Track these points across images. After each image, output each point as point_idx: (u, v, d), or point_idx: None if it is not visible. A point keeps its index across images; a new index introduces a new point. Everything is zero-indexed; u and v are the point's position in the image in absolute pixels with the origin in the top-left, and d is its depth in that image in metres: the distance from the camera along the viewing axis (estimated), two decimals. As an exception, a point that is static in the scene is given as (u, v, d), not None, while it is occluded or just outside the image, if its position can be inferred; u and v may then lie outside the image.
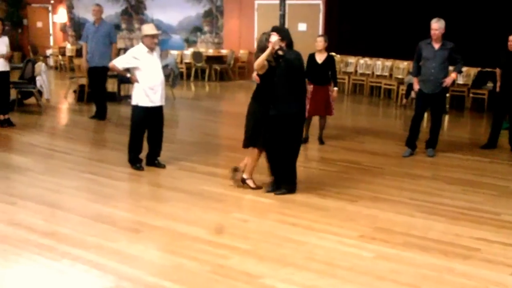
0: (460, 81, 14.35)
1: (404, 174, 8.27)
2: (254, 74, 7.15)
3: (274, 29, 7.14)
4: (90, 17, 22.85)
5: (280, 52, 6.86)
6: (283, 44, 6.91)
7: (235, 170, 7.43)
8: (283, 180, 7.21)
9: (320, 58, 9.75)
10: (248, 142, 7.30)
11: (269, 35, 7.00)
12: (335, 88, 9.92)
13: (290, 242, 5.70)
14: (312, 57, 9.82)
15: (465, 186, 7.70)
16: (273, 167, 7.23)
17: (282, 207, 6.74)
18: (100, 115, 12.06)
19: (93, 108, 12.44)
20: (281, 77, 6.95)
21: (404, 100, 14.24)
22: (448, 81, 9.04)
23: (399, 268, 5.16)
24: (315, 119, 10.13)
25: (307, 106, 9.78)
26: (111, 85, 15.26)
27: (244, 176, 7.33)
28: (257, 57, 6.99)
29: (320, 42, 9.74)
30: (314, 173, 8.32)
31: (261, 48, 6.97)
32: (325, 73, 9.78)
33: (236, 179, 7.38)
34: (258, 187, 7.30)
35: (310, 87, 9.77)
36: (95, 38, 11.89)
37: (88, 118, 12.18)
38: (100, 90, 12.26)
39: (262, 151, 7.25)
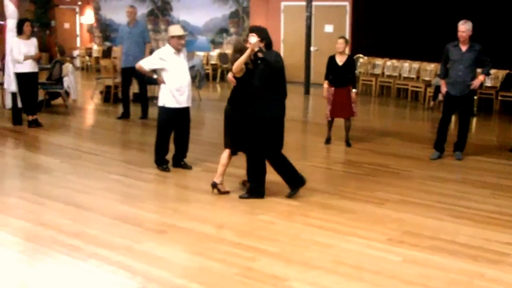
0: (488, 83, 14.16)
1: (432, 177, 8.18)
2: (230, 76, 7.00)
3: (253, 29, 6.97)
4: (116, 18, 23.21)
5: (260, 54, 6.71)
6: (262, 45, 6.77)
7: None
8: (291, 182, 7.14)
9: (340, 60, 9.73)
10: (237, 149, 7.22)
11: (246, 36, 6.91)
12: (354, 90, 9.87)
13: (317, 245, 5.67)
14: (332, 59, 9.81)
15: (494, 190, 7.60)
16: (252, 170, 7.09)
17: (309, 210, 6.70)
18: (144, 115, 12.22)
19: (120, 109, 12.50)
20: (261, 80, 6.78)
21: (431, 103, 14.09)
22: (475, 83, 8.94)
23: (428, 273, 5.10)
24: (337, 121, 10.09)
25: (329, 108, 9.80)
26: (137, 86, 15.38)
27: (216, 180, 7.17)
28: (234, 58, 6.86)
29: (341, 44, 9.72)
30: (342, 176, 8.27)
31: (238, 50, 6.88)
32: (345, 75, 9.75)
33: (221, 191, 7.21)
34: (226, 192, 7.16)
35: (331, 89, 9.77)
36: (129, 39, 12.00)
37: (116, 118, 12.26)
38: (140, 91, 12.34)
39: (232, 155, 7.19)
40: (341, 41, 9.76)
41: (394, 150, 9.82)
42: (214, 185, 7.15)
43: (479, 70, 9.17)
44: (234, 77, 6.92)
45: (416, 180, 8.00)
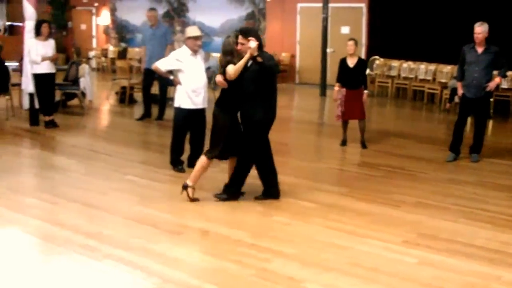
0: (505, 85, 14.06)
1: (449, 179, 8.13)
2: (220, 79, 6.77)
3: (243, 31, 6.75)
4: (132, 19, 23.32)
5: (259, 59, 6.53)
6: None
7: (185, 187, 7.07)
8: (267, 185, 7.06)
9: (351, 62, 9.77)
10: (226, 153, 6.98)
11: (236, 37, 6.71)
12: (366, 91, 9.86)
13: (333, 246, 5.65)
14: (343, 61, 9.86)
15: (510, 193, 7.53)
16: (239, 173, 6.97)
17: (324, 211, 6.68)
18: (160, 116, 12.26)
19: (136, 110, 12.55)
20: (255, 82, 6.68)
21: (448, 105, 14.01)
22: (491, 85, 8.88)
23: (444, 275, 5.07)
24: (353, 123, 10.09)
25: (342, 109, 9.80)
26: (153, 88, 15.41)
27: (189, 182, 6.97)
28: (226, 61, 6.71)
29: (352, 46, 9.75)
30: (357, 178, 8.24)
31: (229, 52, 6.75)
32: (357, 77, 9.79)
33: (189, 195, 6.98)
34: (194, 199, 6.93)
35: (342, 91, 9.76)
36: (152, 40, 12.08)
37: (135, 120, 12.31)
38: (160, 92, 12.37)
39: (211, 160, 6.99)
40: (351, 43, 9.79)
41: (410, 152, 9.77)
42: (185, 187, 6.96)
43: (496, 72, 9.10)
44: (225, 79, 6.74)
45: (432, 182, 7.96)
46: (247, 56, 6.51)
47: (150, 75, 12.00)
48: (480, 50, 8.82)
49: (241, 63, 6.55)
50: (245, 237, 5.84)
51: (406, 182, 7.96)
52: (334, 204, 6.96)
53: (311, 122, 13.28)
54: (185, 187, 6.94)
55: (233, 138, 6.87)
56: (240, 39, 6.63)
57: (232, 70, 6.59)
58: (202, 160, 6.98)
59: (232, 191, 6.99)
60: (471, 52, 8.89)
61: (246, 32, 6.70)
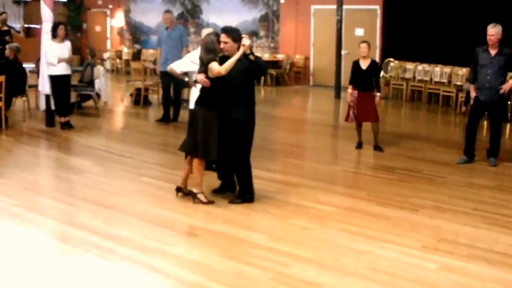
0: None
1: (468, 183, 8.05)
2: (203, 77, 6.68)
3: (227, 30, 6.72)
4: (146, 20, 23.38)
5: (251, 57, 6.59)
6: (236, 46, 6.65)
7: (194, 196, 6.97)
8: (240, 190, 7.04)
9: (364, 64, 9.74)
10: (203, 153, 6.81)
11: (217, 36, 6.69)
12: (378, 94, 9.82)
13: (351, 251, 5.60)
14: (356, 63, 9.84)
15: (532, 198, 7.46)
16: (242, 175, 7.01)
17: (342, 215, 6.63)
18: (174, 117, 12.28)
19: (150, 112, 12.55)
20: (247, 81, 6.79)
21: (463, 108, 13.89)
22: (505, 88, 8.78)
23: (464, 281, 5.00)
24: (368, 126, 10.04)
25: (354, 111, 9.75)
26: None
27: (195, 190, 6.90)
28: (207, 59, 6.61)
29: (365, 48, 9.73)
30: (375, 181, 8.17)
31: (212, 50, 6.62)
32: (369, 79, 9.76)
33: (203, 201, 6.91)
34: (210, 202, 6.89)
35: (354, 93, 9.72)
36: (168, 43, 12.06)
37: (155, 121, 12.33)
38: (175, 94, 12.35)
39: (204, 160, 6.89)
40: (364, 45, 9.76)
41: (427, 156, 9.70)
42: (193, 196, 6.90)
43: (510, 74, 9.02)
44: (208, 77, 6.64)
45: (450, 186, 7.88)
46: (240, 53, 6.50)
47: (167, 77, 11.97)
48: (493, 52, 8.73)
49: (233, 61, 6.50)
50: (262, 241, 5.80)
51: (424, 185, 7.88)
52: (352, 208, 6.90)
53: (326, 124, 13.23)
54: (193, 195, 6.89)
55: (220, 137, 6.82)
56: (224, 37, 6.65)
57: (224, 67, 6.50)
58: (198, 163, 6.84)
59: (248, 196, 6.98)
60: (484, 54, 8.80)
61: (230, 31, 6.71)
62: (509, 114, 12.90)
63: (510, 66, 8.84)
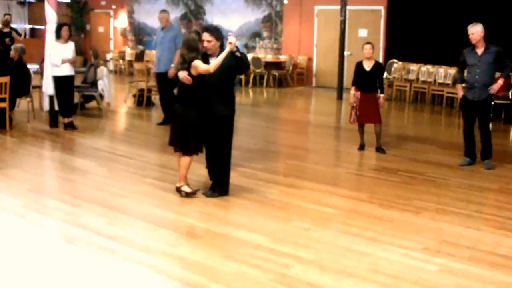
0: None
1: (470, 186, 8.06)
2: (185, 75, 6.80)
3: (210, 29, 6.95)
4: (149, 21, 23.42)
5: (238, 54, 6.74)
6: (218, 44, 6.89)
7: (178, 190, 7.27)
8: (218, 182, 7.26)
9: (368, 65, 9.75)
10: (187, 148, 7.06)
11: (199, 34, 6.86)
12: (382, 95, 9.84)
13: (353, 252, 5.61)
14: (360, 64, 9.85)
15: (535, 201, 7.46)
16: (224, 168, 7.23)
17: (344, 217, 6.65)
18: (169, 120, 12.08)
19: (153, 113, 12.57)
20: (232, 77, 7.13)
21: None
22: (494, 87, 8.75)
23: (466, 284, 5.01)
24: (370, 127, 10.05)
25: (357, 113, 9.77)
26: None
27: (178, 184, 7.21)
28: (189, 57, 6.74)
29: (369, 50, 9.75)
30: (377, 183, 8.19)
31: (194, 48, 6.77)
32: (373, 81, 9.79)
33: (187, 192, 7.20)
34: (195, 191, 7.22)
35: (357, 94, 9.75)
36: (162, 44, 11.93)
37: (156, 124, 12.27)
38: (168, 96, 12.07)
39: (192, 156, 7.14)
40: (368, 46, 9.77)
41: (430, 158, 9.71)
42: (178, 190, 7.21)
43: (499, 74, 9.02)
44: (190, 75, 6.78)
45: (453, 189, 7.89)
46: (227, 50, 6.61)
47: (161, 80, 11.90)
48: (480, 51, 8.73)
49: (221, 59, 6.63)
50: (264, 242, 5.82)
51: (426, 188, 7.90)
52: (354, 210, 6.92)
53: (329, 126, 13.25)
54: (178, 190, 7.18)
55: (202, 132, 7.01)
56: (207, 36, 6.81)
57: (213, 65, 6.65)
58: (185, 159, 7.09)
59: (226, 189, 7.24)
60: (472, 54, 8.80)
61: (213, 30, 6.91)
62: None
63: (498, 64, 8.79)
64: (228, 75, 6.98)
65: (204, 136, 7.04)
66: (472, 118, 9.07)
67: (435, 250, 5.70)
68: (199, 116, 6.89)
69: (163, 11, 12.57)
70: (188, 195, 7.14)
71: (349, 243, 5.86)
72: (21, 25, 23.10)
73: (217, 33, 6.89)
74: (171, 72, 11.40)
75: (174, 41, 11.81)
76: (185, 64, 6.82)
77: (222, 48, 6.87)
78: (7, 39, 15.30)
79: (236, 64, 6.84)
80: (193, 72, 6.76)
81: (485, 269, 5.30)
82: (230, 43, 6.61)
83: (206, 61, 6.84)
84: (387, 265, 5.34)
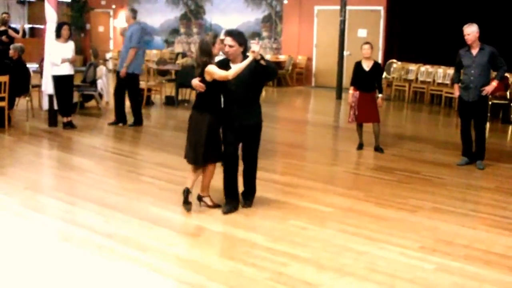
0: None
1: (466, 185, 8.08)
2: (197, 82, 6.41)
3: (233, 33, 6.47)
4: (150, 21, 23.41)
5: (263, 62, 6.27)
6: (241, 50, 6.45)
7: (200, 199, 6.84)
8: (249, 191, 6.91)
9: (367, 65, 9.77)
10: (205, 158, 6.57)
11: (214, 38, 6.47)
12: (380, 95, 9.86)
13: (350, 251, 5.62)
14: (359, 64, 9.87)
15: (531, 200, 7.46)
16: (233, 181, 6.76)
17: (341, 216, 6.65)
18: (138, 121, 11.91)
19: (153, 112, 12.57)
20: (259, 84, 6.66)
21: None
22: (488, 89, 8.74)
23: (462, 282, 5.02)
24: (368, 127, 10.07)
25: (353, 112, 9.78)
26: (169, 89, 15.48)
27: (201, 193, 6.79)
28: (202, 62, 6.36)
29: (368, 50, 9.77)
30: (374, 182, 8.19)
31: (207, 53, 6.36)
32: (372, 81, 9.81)
33: (208, 204, 6.79)
34: (216, 205, 6.76)
35: (356, 94, 9.76)
36: (123, 43, 11.88)
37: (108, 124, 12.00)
38: (131, 95, 11.97)
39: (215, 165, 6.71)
40: (367, 46, 9.80)
41: (427, 157, 9.72)
42: (199, 199, 6.80)
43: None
44: (203, 81, 6.39)
45: (449, 188, 7.90)
46: (250, 59, 6.22)
47: (119, 79, 11.70)
48: (474, 52, 8.75)
49: (242, 66, 6.24)
50: (261, 241, 5.82)
51: (423, 187, 7.90)
52: (351, 209, 6.93)
53: (327, 125, 13.26)
54: (199, 198, 6.80)
55: (220, 140, 6.65)
56: (229, 41, 6.39)
57: (232, 72, 6.25)
58: (210, 168, 6.69)
59: (235, 204, 6.78)
60: (467, 55, 8.82)
61: (235, 34, 6.47)
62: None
63: (493, 65, 8.80)
64: (252, 83, 6.49)
65: (229, 144, 6.63)
66: (468, 118, 9.07)
67: (431, 249, 5.71)
68: (217, 123, 6.53)
69: (130, 10, 12.21)
70: (209, 207, 6.78)
71: (346, 241, 5.87)
72: (19, 24, 23.09)
73: (239, 38, 6.44)
74: (122, 72, 11.46)
75: (130, 39, 11.58)
76: (199, 69, 6.47)
77: (244, 53, 6.45)
78: (3, 37, 15.29)
79: (262, 72, 6.40)
80: (208, 78, 6.37)
81: (481, 268, 5.31)
82: (253, 51, 6.18)
83: (227, 67, 6.42)
84: (383, 264, 5.35)
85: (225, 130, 6.62)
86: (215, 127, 6.53)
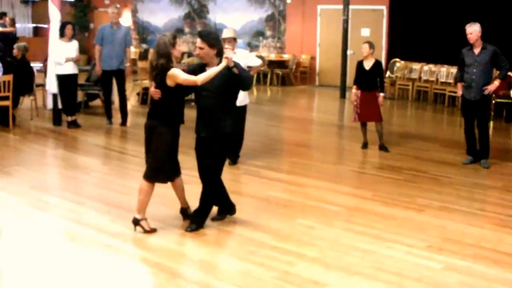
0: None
1: (473, 184, 8.06)
2: (153, 89, 5.85)
3: (203, 34, 5.91)
4: (153, 20, 23.41)
5: (235, 70, 5.76)
6: (214, 52, 5.88)
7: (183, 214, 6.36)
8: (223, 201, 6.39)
9: (368, 64, 9.77)
10: (171, 174, 6.16)
11: (173, 38, 5.78)
12: (382, 94, 9.84)
13: (357, 250, 5.61)
14: (360, 63, 9.88)
15: (539, 199, 7.44)
16: (210, 196, 6.19)
17: (348, 215, 6.65)
18: (123, 120, 11.85)
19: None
20: (230, 92, 6.01)
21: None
22: (490, 88, 8.72)
23: (470, 281, 5.01)
24: (372, 126, 10.06)
25: (356, 111, 9.78)
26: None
27: (138, 216, 5.94)
28: (160, 65, 5.70)
29: (365, 49, 9.79)
30: (380, 181, 8.18)
31: (164, 54, 5.70)
32: (373, 79, 9.80)
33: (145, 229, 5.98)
34: (153, 230, 5.94)
35: (358, 93, 9.75)
36: (114, 41, 11.50)
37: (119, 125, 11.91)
38: (120, 95, 11.93)
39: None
40: (365, 45, 9.81)
41: (433, 156, 9.70)
42: (136, 222, 5.95)
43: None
44: (159, 87, 5.80)
45: (456, 187, 7.88)
46: (222, 65, 5.70)
47: (109, 78, 11.64)
48: (477, 51, 8.73)
49: (212, 73, 5.67)
50: (268, 240, 5.82)
51: (429, 186, 7.89)
52: (358, 208, 6.92)
53: (332, 124, 13.24)
54: (135, 222, 5.94)
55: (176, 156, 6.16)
56: (199, 43, 5.88)
57: (201, 78, 5.66)
58: (145, 186, 6.02)
59: (203, 220, 6.17)
60: (469, 54, 8.81)
61: (205, 36, 5.91)
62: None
63: (495, 64, 8.79)
64: (223, 92, 5.92)
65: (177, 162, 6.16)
66: (471, 117, 9.07)
67: (438, 248, 5.70)
68: (175, 136, 6.04)
69: (117, 7, 12.01)
70: (145, 232, 5.92)
71: (353, 240, 5.86)
72: (24, 24, 23.11)
73: (210, 39, 5.87)
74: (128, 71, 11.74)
75: (125, 39, 11.69)
76: (154, 73, 5.81)
77: (219, 55, 5.89)
78: None
79: (235, 81, 5.88)
80: (169, 82, 5.71)
81: (489, 267, 5.30)
82: (226, 57, 5.70)
83: (202, 71, 5.83)
84: (390, 263, 5.34)
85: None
86: (176, 139, 6.05)
